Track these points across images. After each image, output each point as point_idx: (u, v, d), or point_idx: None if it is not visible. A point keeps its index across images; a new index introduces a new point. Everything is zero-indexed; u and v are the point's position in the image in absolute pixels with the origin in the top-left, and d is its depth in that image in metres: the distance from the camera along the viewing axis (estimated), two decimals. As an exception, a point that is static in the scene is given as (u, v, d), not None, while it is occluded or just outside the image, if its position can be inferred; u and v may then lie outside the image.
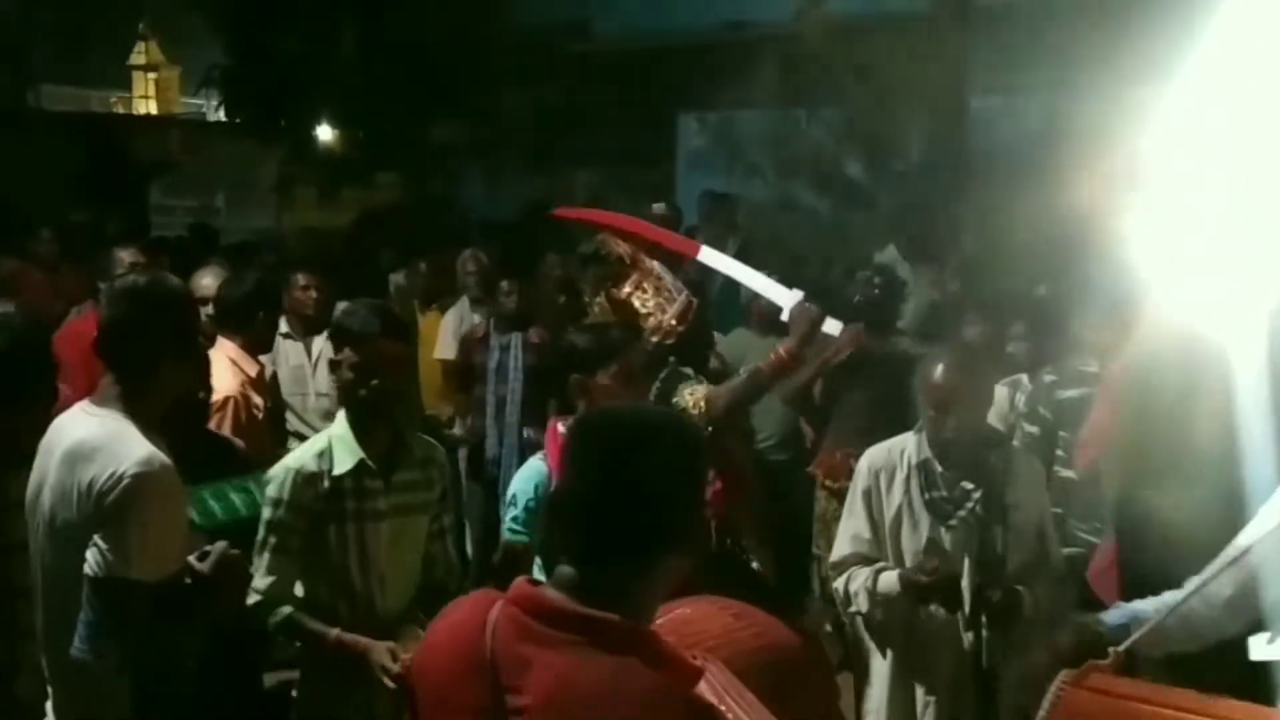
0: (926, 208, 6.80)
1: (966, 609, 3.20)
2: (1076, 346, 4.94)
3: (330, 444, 3.14)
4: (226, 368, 4.35)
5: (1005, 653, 3.22)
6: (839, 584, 3.36)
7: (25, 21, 13.84)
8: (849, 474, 5.09)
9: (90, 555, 2.47)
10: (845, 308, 5.24)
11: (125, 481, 2.46)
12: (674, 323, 3.96)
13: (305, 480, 3.09)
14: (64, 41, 15.67)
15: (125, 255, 5.13)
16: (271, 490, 3.12)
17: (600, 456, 1.66)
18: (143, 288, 2.67)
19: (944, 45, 7.15)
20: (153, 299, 2.65)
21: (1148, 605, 2.54)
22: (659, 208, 6.44)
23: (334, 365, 3.20)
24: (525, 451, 5.49)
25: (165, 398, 2.69)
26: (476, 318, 6.28)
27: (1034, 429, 4.77)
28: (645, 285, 4.04)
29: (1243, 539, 2.50)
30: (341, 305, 6.79)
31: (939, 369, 3.25)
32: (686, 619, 2.33)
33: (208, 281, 4.79)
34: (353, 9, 11.15)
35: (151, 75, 20.32)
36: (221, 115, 14.04)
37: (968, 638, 3.22)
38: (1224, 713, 2.20)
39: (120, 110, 19.61)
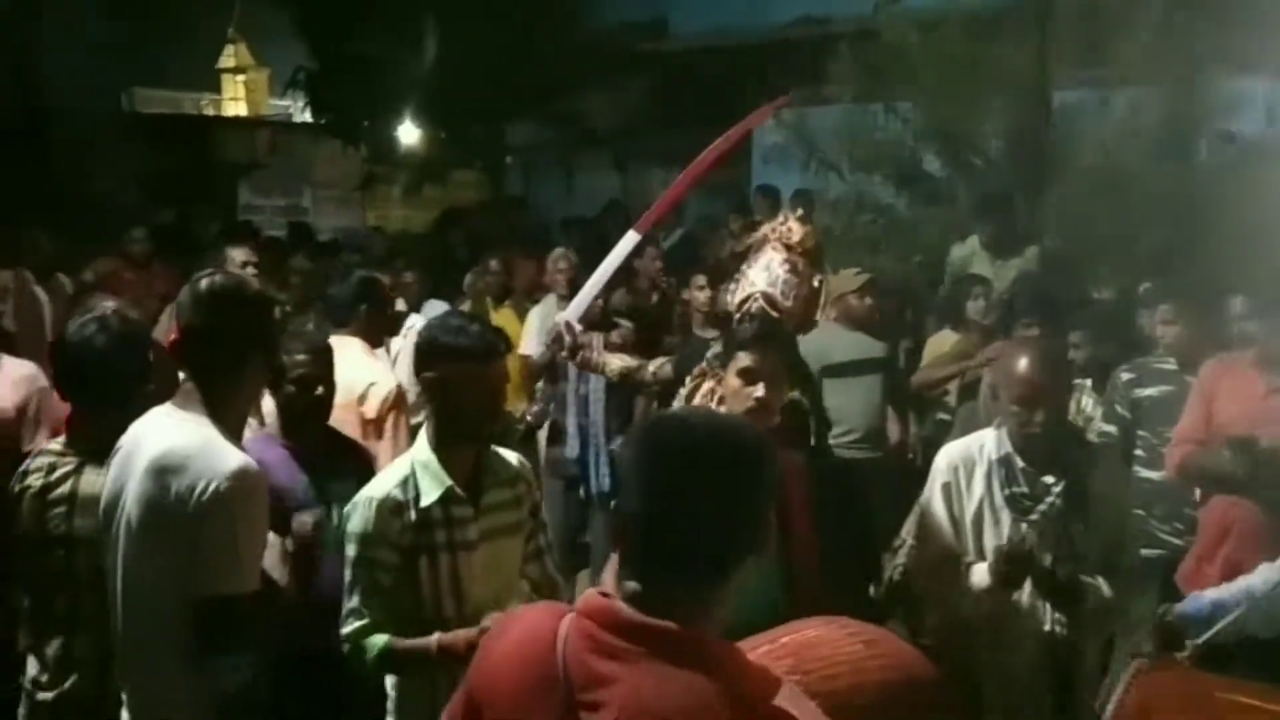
0: (1006, 202, 6.69)
1: (1044, 601, 3.19)
2: (1153, 344, 4.87)
3: (413, 470, 2.89)
4: (365, 363, 4.45)
5: (1079, 640, 3.21)
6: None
7: (118, 27, 14.22)
8: None
9: (189, 572, 2.44)
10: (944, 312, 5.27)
11: (223, 494, 2.42)
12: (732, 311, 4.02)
13: (391, 511, 2.84)
14: (156, 46, 16.06)
15: (238, 254, 5.11)
16: (354, 524, 2.86)
17: (662, 469, 1.61)
18: (224, 290, 2.61)
19: (1025, 38, 7.02)
20: (234, 301, 2.61)
21: (1226, 592, 2.51)
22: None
23: (429, 384, 2.91)
24: (612, 448, 5.55)
25: (248, 401, 2.77)
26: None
27: (1111, 429, 4.70)
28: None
29: None
30: (432, 314, 6.97)
31: (1024, 363, 3.22)
32: (810, 642, 2.28)
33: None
34: (433, 10, 11.29)
35: (240, 77, 20.69)
36: (307, 116, 14.30)
37: (1047, 624, 3.21)
38: None
39: (210, 112, 20.05)
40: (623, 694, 1.53)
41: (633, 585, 1.60)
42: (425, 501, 2.86)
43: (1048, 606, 3.20)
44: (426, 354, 2.90)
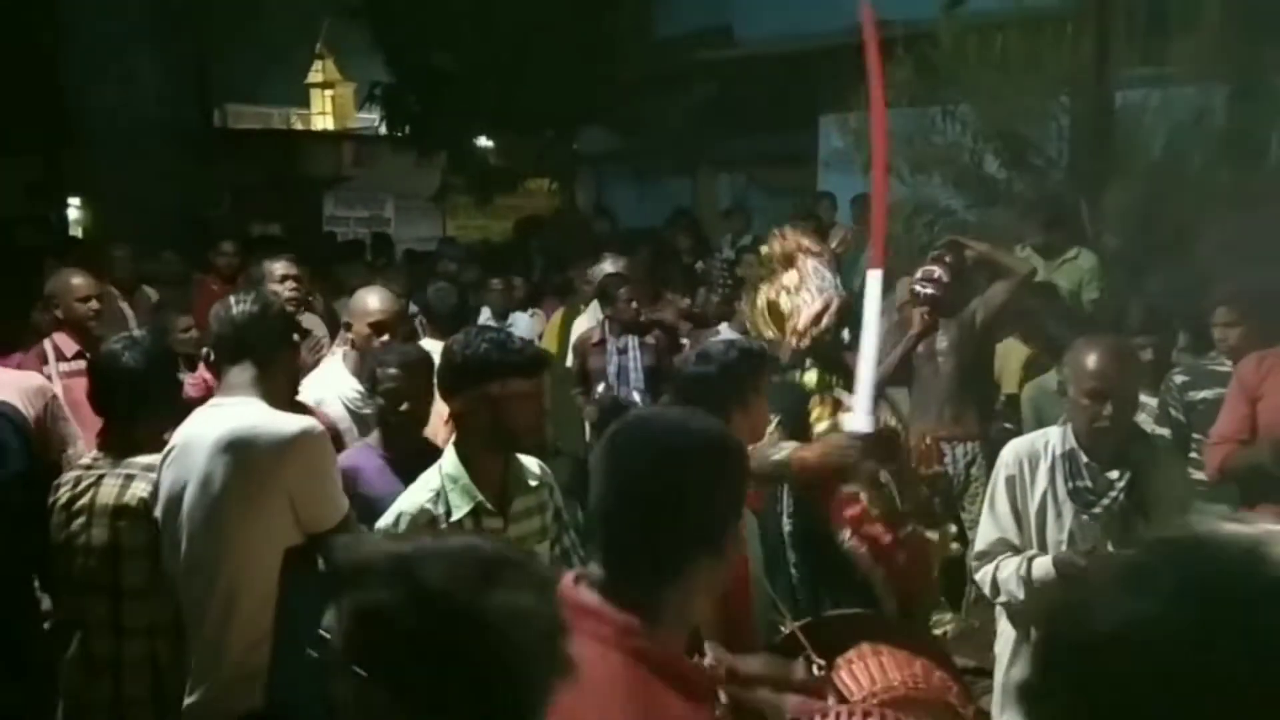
0: (1057, 204, 6.58)
1: None
2: (1209, 345, 4.76)
3: (443, 484, 2.87)
4: None
5: None
6: (985, 572, 3.35)
7: (210, 44, 14.64)
8: (939, 458, 5.09)
9: (290, 523, 2.73)
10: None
11: (298, 448, 2.74)
12: (807, 325, 3.98)
13: (423, 526, 2.80)
14: (246, 63, 16.50)
15: (277, 267, 5.19)
16: None
17: (623, 464, 1.66)
18: (255, 296, 3.06)
19: (1084, 37, 6.91)
20: (265, 303, 3.05)
21: None
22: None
23: (475, 398, 2.86)
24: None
25: (287, 386, 3.03)
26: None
27: (1166, 432, 4.60)
28: (795, 287, 4.07)
29: None
30: (519, 325, 7.06)
31: (1094, 358, 3.21)
32: (900, 643, 2.51)
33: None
34: (502, 23, 11.44)
35: (328, 92, 21.19)
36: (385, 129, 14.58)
37: None
38: None
39: (299, 126, 20.52)
40: None
41: (599, 571, 1.67)
42: (456, 515, 2.83)
43: None
44: (471, 368, 2.83)
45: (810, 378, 3.92)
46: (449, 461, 2.90)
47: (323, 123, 21.03)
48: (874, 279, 3.54)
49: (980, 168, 7.44)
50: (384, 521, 2.86)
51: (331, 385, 4.09)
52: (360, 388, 3.97)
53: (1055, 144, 7.26)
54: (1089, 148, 7.00)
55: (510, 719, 1.28)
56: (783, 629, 2.71)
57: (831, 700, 2.47)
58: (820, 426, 3.80)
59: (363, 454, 3.49)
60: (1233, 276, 5.21)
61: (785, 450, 3.49)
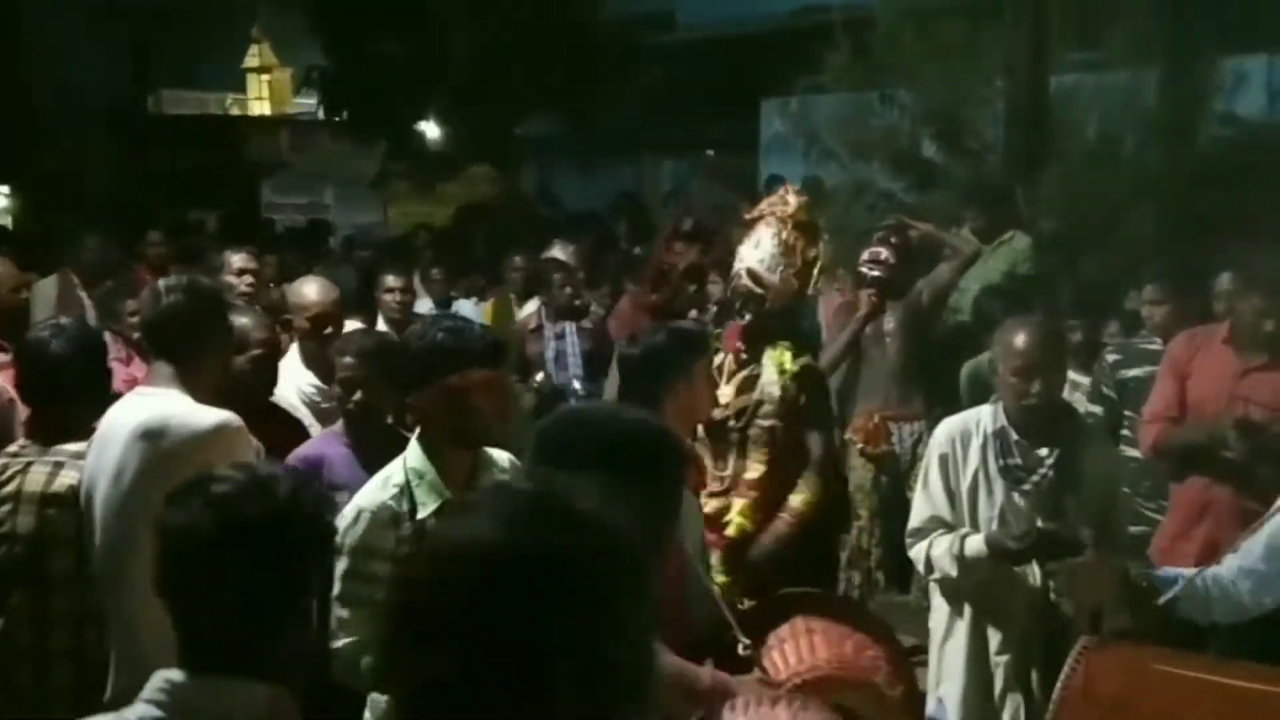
0: (993, 189, 6.67)
1: (1039, 567, 3.25)
2: (1140, 324, 4.86)
3: (408, 479, 2.73)
4: None
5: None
6: (919, 550, 3.40)
7: (145, 29, 14.38)
8: (887, 438, 5.15)
9: None
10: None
11: (208, 443, 2.69)
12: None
13: (385, 524, 2.69)
14: (182, 47, 16.24)
15: (236, 260, 5.06)
16: (346, 536, 2.67)
17: (556, 459, 1.64)
18: (184, 285, 2.97)
19: (1020, 24, 6.99)
20: (194, 293, 2.95)
21: (1192, 573, 2.55)
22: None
23: (440, 390, 2.73)
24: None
25: (213, 379, 2.94)
26: None
27: (1098, 409, 4.69)
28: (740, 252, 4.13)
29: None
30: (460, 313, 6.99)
31: (1022, 337, 3.28)
32: (829, 630, 2.51)
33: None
34: (443, 7, 11.35)
35: (264, 77, 20.95)
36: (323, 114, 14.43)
37: (1038, 590, 3.27)
38: (1241, 675, 2.21)
39: (235, 112, 20.24)
40: None
41: None
42: (422, 513, 2.70)
43: (1040, 572, 3.25)
44: (430, 361, 2.71)
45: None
46: (414, 456, 2.77)
47: (259, 108, 20.76)
48: None
49: (918, 151, 7.50)
50: (344, 518, 2.69)
51: (288, 379, 4.01)
52: (316, 381, 3.92)
53: (991, 128, 7.34)
54: (1024, 132, 7.08)
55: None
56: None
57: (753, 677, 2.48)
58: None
59: (327, 442, 3.43)
60: (1163, 257, 5.33)
61: None
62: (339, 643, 2.69)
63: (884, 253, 5.27)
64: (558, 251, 6.54)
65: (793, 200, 4.16)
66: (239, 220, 11.92)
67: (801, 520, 3.86)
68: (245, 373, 3.50)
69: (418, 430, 2.83)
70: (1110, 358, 4.74)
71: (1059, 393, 3.42)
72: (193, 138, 15.78)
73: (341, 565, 2.68)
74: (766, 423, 3.89)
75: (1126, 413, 4.64)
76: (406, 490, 2.72)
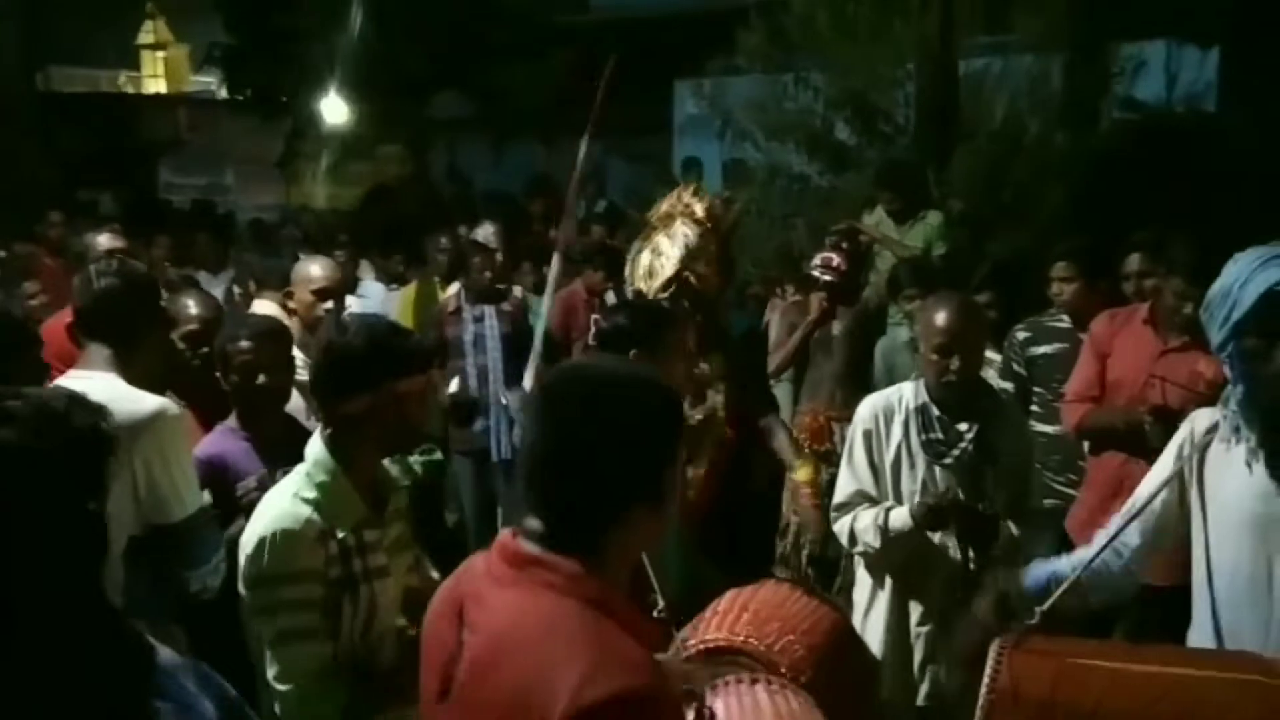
0: (908, 169, 6.82)
1: (957, 539, 3.34)
2: (1049, 301, 5.00)
3: (318, 492, 2.51)
4: None
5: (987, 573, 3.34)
6: (843, 523, 3.46)
7: (34, 3, 13.84)
8: (830, 436, 5.26)
9: (134, 508, 2.68)
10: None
11: (146, 430, 2.68)
12: (656, 291, 4.05)
13: (312, 542, 2.45)
14: (73, 23, 15.70)
15: (102, 240, 4.86)
16: (271, 564, 2.42)
17: (557, 413, 1.67)
18: (116, 269, 2.96)
19: (931, 8, 7.14)
20: (127, 277, 2.94)
21: (1064, 563, 2.60)
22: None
23: (376, 396, 2.54)
24: (511, 416, 5.59)
25: (149, 362, 2.92)
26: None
27: (1008, 385, 4.82)
28: (660, 249, 4.13)
29: (1143, 490, 2.60)
30: (369, 295, 6.86)
31: (942, 315, 3.35)
32: (775, 602, 2.43)
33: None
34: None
35: (160, 54, 20.33)
36: (226, 93, 14.09)
37: (956, 560, 3.35)
38: (1156, 659, 2.26)
39: (130, 90, 19.64)
40: (493, 614, 1.62)
41: (534, 523, 1.67)
42: (341, 532, 2.50)
43: (959, 545, 3.33)
44: (373, 365, 2.52)
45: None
46: (323, 468, 2.54)
47: (155, 86, 20.16)
48: None
49: (831, 134, 7.63)
50: (252, 545, 2.46)
51: None
52: (306, 359, 3.83)
53: (903, 111, 7.49)
54: (934, 115, 7.24)
55: None
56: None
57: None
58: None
59: (222, 438, 3.21)
60: (1071, 235, 5.49)
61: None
62: (285, 686, 2.43)
63: (835, 258, 5.39)
64: (483, 233, 6.48)
65: (694, 202, 4.21)
66: (138, 200, 11.60)
67: (818, 490, 3.97)
68: (178, 352, 3.44)
69: (327, 437, 2.57)
70: (1020, 335, 4.87)
71: (978, 370, 3.51)
72: (85, 116, 15.26)
73: (268, 598, 2.43)
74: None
75: (1036, 389, 4.78)
76: (321, 502, 2.49)
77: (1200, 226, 4.81)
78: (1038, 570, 2.54)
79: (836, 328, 5.40)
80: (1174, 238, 4.05)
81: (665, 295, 4.02)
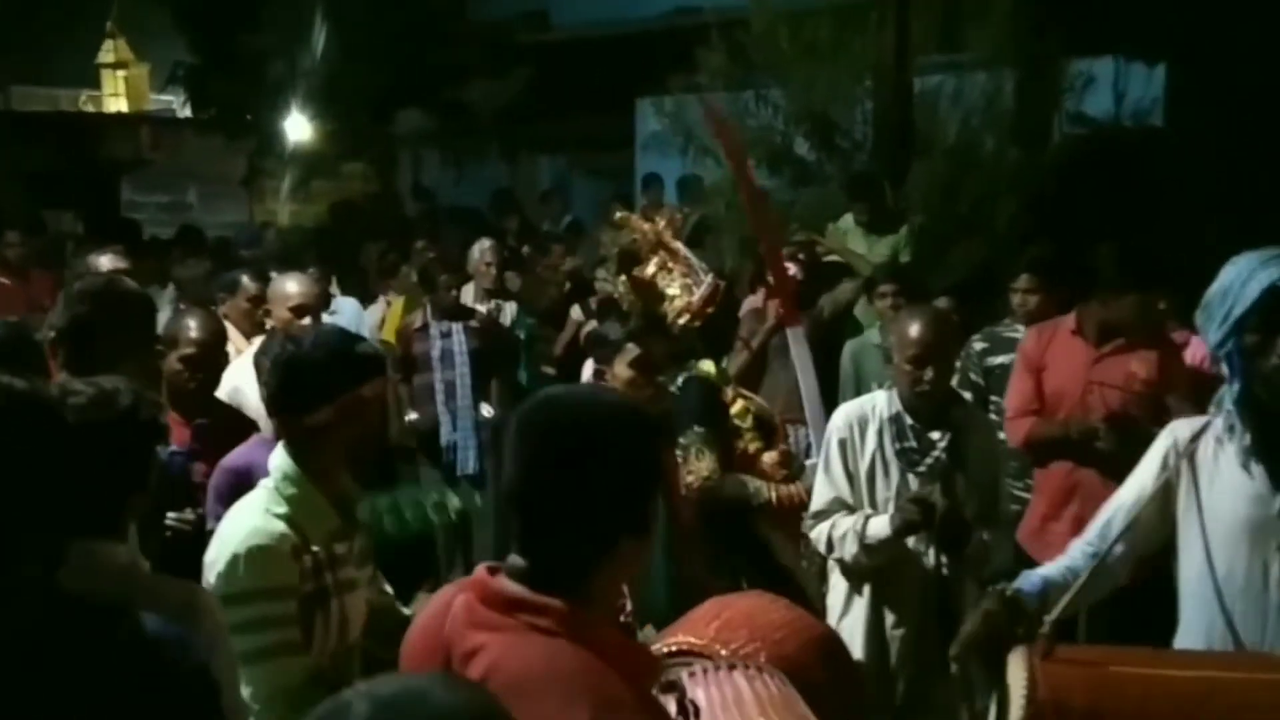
0: (880, 182, 6.96)
1: (933, 546, 3.42)
2: (1005, 312, 5.12)
3: (290, 505, 2.47)
4: None
5: (960, 579, 3.45)
6: (820, 530, 3.53)
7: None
8: (784, 438, 5.35)
9: None
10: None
11: None
12: (700, 304, 4.13)
13: (287, 557, 2.40)
14: (33, 42, 15.58)
15: (105, 261, 4.68)
16: (248, 580, 2.36)
17: (541, 446, 1.61)
18: (96, 289, 2.78)
19: (887, 26, 7.29)
20: (101, 299, 2.77)
21: (1053, 570, 2.60)
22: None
23: (343, 405, 2.52)
24: (480, 430, 5.65)
25: (136, 379, 2.77)
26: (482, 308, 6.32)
27: (966, 394, 4.92)
28: (670, 266, 4.20)
29: (1125, 498, 2.62)
30: (344, 311, 6.88)
31: (915, 326, 3.44)
32: (751, 613, 2.48)
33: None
34: (314, 2, 11.18)
35: (121, 73, 20.12)
36: (189, 112, 14.02)
37: (931, 568, 3.44)
38: (1185, 663, 2.31)
39: (90, 109, 19.47)
40: (485, 663, 1.54)
41: (517, 560, 1.62)
42: (316, 541, 2.46)
43: (933, 550, 3.43)
44: (340, 373, 2.48)
45: (706, 366, 4.11)
46: (291, 481, 2.49)
47: (116, 105, 19.97)
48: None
49: (792, 150, 7.75)
50: (224, 562, 2.39)
51: (250, 373, 3.94)
52: None
53: (861, 127, 7.63)
54: (891, 131, 7.38)
55: None
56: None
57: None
58: (764, 454, 4.11)
59: (253, 449, 3.11)
60: (1028, 248, 5.63)
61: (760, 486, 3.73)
62: (264, 704, 2.36)
63: (793, 269, 5.50)
64: (480, 250, 6.52)
65: (660, 223, 4.31)
66: (103, 220, 11.48)
67: (703, 489, 3.89)
68: (177, 373, 3.38)
69: (292, 451, 2.53)
70: (977, 345, 4.98)
71: (949, 379, 3.62)
72: (46, 136, 15.13)
73: (242, 615, 2.33)
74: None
75: (993, 398, 4.89)
76: (291, 518, 2.45)
77: (1149, 238, 4.97)
78: (1031, 577, 2.53)
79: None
80: (1103, 253, 4.18)
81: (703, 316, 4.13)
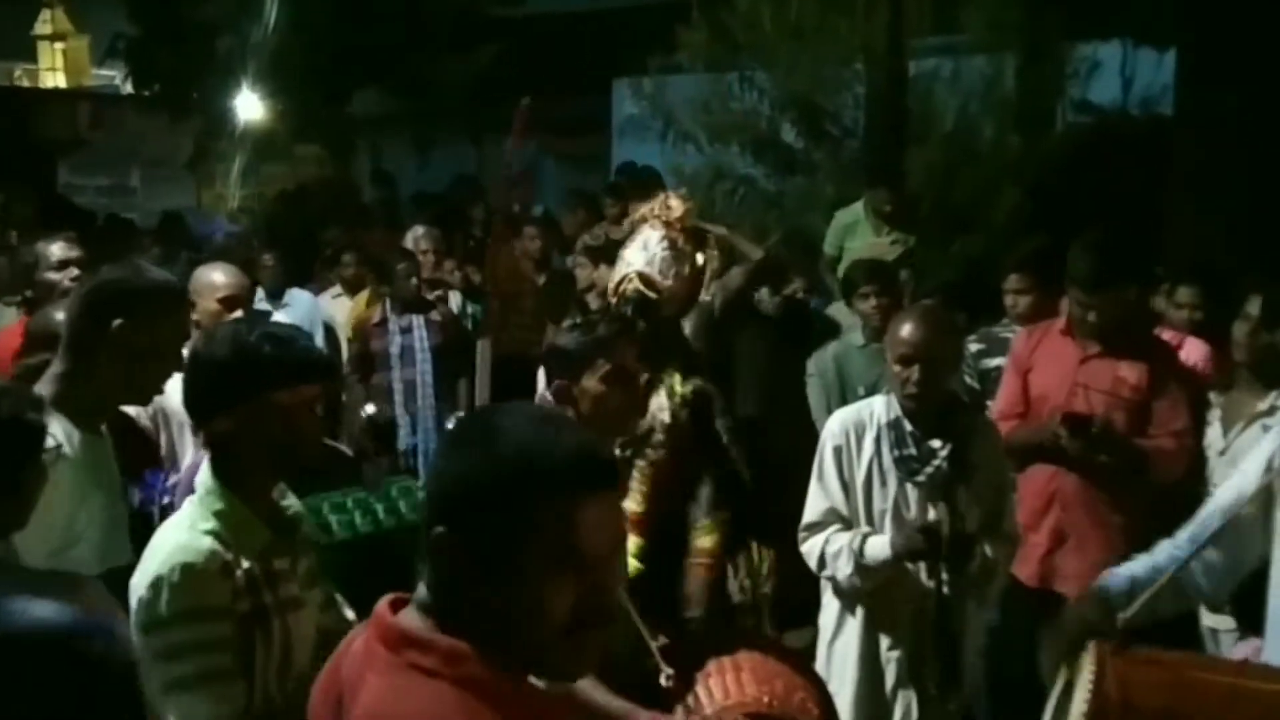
0: (867, 172, 6.90)
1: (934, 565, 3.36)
2: (1003, 312, 5.08)
3: (217, 520, 2.35)
4: None
5: (961, 598, 3.39)
6: (813, 545, 3.47)
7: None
8: None
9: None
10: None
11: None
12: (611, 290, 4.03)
13: (216, 575, 2.29)
14: (-39, 11, 15.39)
15: (55, 250, 4.45)
16: (173, 602, 2.25)
17: (448, 472, 1.53)
18: (90, 284, 2.79)
19: (878, 7, 7.23)
20: (86, 294, 2.74)
21: (1139, 567, 2.54)
22: None
23: (268, 409, 2.36)
24: (443, 435, 5.56)
25: (100, 389, 2.71)
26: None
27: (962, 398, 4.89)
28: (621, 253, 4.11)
29: (1225, 497, 2.54)
30: (297, 304, 6.76)
31: (906, 325, 3.39)
32: (758, 667, 2.54)
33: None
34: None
35: (59, 45, 19.96)
36: (131, 88, 13.84)
37: (930, 586, 3.38)
38: (1270, 676, 2.27)
39: (25, 84, 19.26)
40: (363, 704, 1.48)
41: (423, 594, 1.53)
42: (247, 557, 2.35)
43: (929, 570, 3.37)
44: (255, 373, 2.33)
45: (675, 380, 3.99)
46: (215, 497, 2.38)
47: (53, 80, 19.78)
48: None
49: (778, 136, 7.69)
50: (146, 585, 2.28)
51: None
52: None
53: (851, 113, 7.57)
54: (884, 117, 7.33)
55: None
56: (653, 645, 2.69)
57: (680, 713, 2.47)
58: None
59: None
60: (1025, 242, 5.58)
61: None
62: None
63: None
64: (412, 236, 6.42)
65: (676, 204, 4.13)
66: (42, 202, 11.29)
67: (719, 562, 3.72)
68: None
69: (211, 461, 2.42)
70: (972, 347, 4.93)
71: (944, 382, 3.53)
72: (-24, 112, 14.93)
73: (171, 640, 2.24)
74: (654, 454, 3.63)
75: (989, 402, 4.84)
76: (221, 533, 2.33)
77: (1156, 232, 4.93)
78: (1118, 575, 2.50)
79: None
80: (1073, 249, 4.13)
81: (622, 305, 3.97)
